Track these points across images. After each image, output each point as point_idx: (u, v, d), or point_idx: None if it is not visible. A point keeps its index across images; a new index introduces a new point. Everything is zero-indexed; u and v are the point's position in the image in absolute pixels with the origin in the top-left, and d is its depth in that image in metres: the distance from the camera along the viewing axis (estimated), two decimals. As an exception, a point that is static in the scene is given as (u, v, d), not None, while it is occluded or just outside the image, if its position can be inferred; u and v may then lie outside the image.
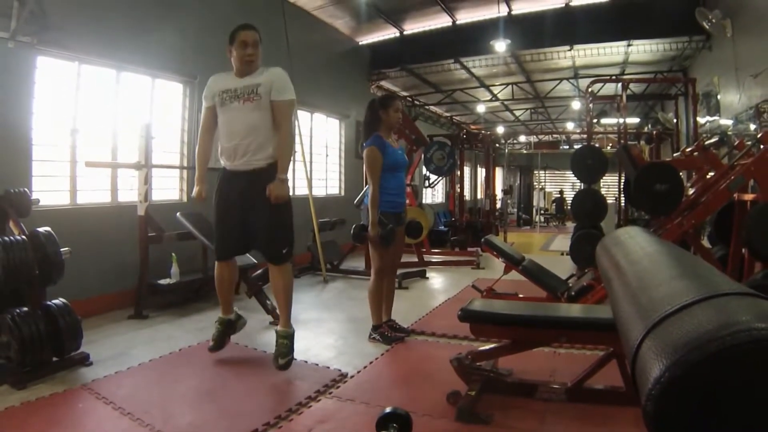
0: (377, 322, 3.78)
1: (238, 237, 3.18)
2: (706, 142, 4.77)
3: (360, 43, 9.47)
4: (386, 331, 3.75)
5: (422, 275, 6.40)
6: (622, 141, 7.73)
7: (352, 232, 3.77)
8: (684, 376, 0.71)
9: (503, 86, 11.51)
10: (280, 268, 3.12)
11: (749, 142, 4.15)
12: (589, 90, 7.92)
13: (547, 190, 21.00)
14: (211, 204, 3.20)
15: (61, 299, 3.20)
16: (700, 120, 7.43)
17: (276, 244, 3.09)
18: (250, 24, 3.07)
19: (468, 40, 8.60)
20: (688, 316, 0.81)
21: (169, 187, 5.61)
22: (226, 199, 3.12)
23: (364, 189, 4.10)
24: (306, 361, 3.26)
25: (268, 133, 3.02)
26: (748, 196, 3.90)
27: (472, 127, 16.51)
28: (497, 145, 14.41)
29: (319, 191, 8.28)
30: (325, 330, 4.12)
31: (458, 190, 11.24)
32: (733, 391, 0.72)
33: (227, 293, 3.36)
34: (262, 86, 2.98)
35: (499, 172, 15.42)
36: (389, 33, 9.08)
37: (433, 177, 10.39)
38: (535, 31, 8.03)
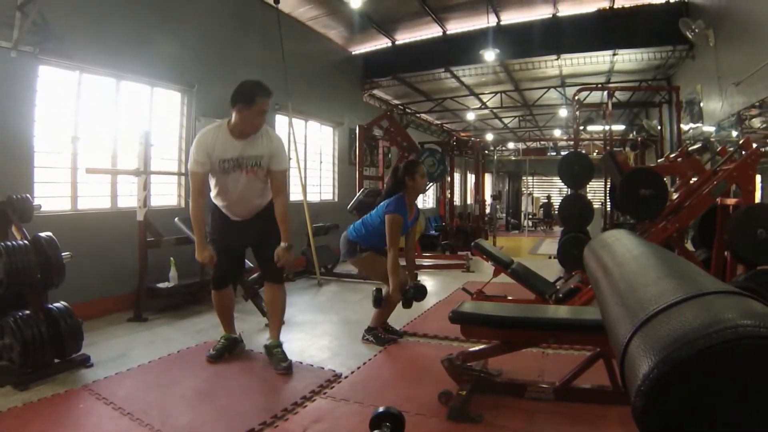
0: (374, 325, 3.85)
1: (236, 266, 3.47)
2: (690, 149, 4.82)
3: (353, 53, 9.57)
4: (380, 333, 3.81)
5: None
6: (608, 147, 7.84)
7: (373, 298, 3.77)
8: (672, 372, 0.73)
9: (492, 94, 11.64)
10: (281, 286, 3.35)
11: (731, 148, 4.22)
12: (576, 98, 8.01)
13: (535, 195, 21.21)
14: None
15: (62, 302, 3.25)
16: (684, 127, 7.52)
17: (279, 268, 3.27)
18: (269, 90, 3.04)
19: (458, 50, 8.73)
20: (676, 315, 0.83)
21: (167, 193, 5.65)
22: (227, 232, 3.29)
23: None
24: (301, 362, 3.31)
25: (267, 189, 3.23)
26: (731, 201, 3.97)
27: (462, 134, 16.62)
28: (486, 151, 14.52)
29: (313, 197, 8.31)
30: (320, 332, 4.18)
31: (449, 195, 11.34)
32: (721, 386, 0.73)
33: (229, 316, 3.51)
34: (264, 159, 3.08)
35: (488, 178, 15.56)
36: (382, 43, 9.19)
37: (424, 183, 10.47)
38: (523, 41, 8.18)
